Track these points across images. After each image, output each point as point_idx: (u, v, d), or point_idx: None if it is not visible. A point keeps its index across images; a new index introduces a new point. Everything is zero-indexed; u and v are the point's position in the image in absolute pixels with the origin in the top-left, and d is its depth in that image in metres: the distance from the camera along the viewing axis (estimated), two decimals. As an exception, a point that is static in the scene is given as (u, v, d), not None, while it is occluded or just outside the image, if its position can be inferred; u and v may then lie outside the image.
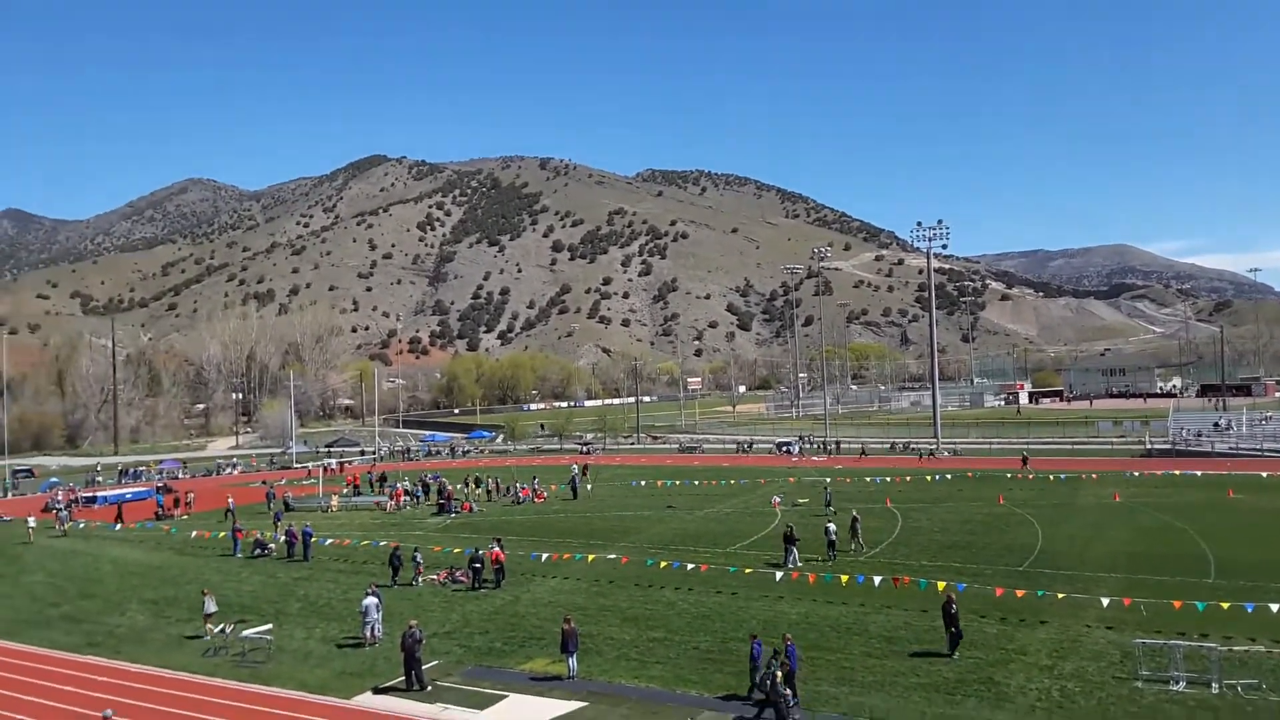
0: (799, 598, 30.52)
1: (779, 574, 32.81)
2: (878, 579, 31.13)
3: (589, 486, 62.35)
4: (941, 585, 29.71)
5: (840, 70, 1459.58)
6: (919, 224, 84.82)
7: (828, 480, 58.62)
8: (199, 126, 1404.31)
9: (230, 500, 55.35)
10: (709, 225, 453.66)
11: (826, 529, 37.36)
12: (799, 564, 34.91)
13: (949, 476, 62.15)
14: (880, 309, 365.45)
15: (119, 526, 53.12)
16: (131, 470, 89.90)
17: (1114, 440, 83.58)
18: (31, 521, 51.15)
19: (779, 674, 19.52)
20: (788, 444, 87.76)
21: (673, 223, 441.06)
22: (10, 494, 75.33)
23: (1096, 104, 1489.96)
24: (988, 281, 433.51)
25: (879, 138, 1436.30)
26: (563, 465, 79.11)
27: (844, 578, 31.46)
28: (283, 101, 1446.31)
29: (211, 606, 29.71)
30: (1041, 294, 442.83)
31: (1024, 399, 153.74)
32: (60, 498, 62.53)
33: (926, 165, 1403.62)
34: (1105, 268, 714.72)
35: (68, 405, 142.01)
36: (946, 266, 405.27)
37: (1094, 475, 60.28)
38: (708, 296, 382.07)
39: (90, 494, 68.39)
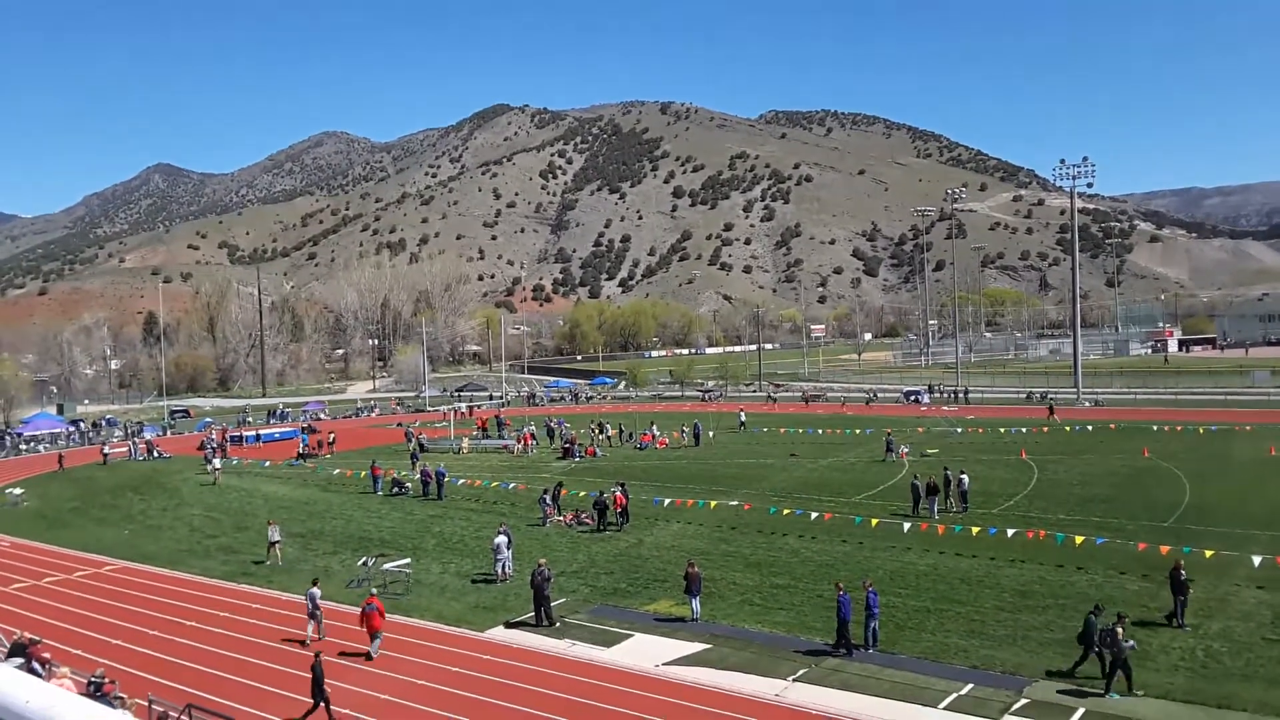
0: (927, 549, 29.90)
1: (907, 525, 32.21)
2: (1011, 531, 30.21)
3: (710, 434, 62.49)
4: (1080, 540, 28.61)
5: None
6: (1062, 161, 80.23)
7: (889, 429, 56.02)
8: (331, 81, 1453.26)
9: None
10: (834, 167, 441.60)
11: (960, 480, 36.38)
12: (936, 517, 34.09)
13: (1090, 428, 59.49)
14: (1018, 252, 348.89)
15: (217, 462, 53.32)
16: (279, 411, 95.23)
17: (1271, 391, 77.93)
18: (217, 463, 51.79)
19: (1119, 629, 18.63)
20: (916, 393, 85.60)
21: (796, 165, 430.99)
22: (169, 433, 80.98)
23: (1251, 26, 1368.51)
24: (1136, 222, 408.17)
25: (1019, 70, 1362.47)
26: (683, 412, 79.61)
27: (974, 529, 30.65)
28: (409, 53, 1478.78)
29: (275, 535, 32.06)
30: (1194, 234, 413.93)
31: (1173, 346, 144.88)
32: (214, 436, 66.86)
33: (1070, 99, 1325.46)
34: (1265, 206, 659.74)
35: (219, 349, 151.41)
36: (1091, 206, 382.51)
37: (1248, 428, 56.58)
38: (832, 241, 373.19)
39: (252, 432, 72.82)
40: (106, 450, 62.87)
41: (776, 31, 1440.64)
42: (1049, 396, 77.27)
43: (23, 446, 73.09)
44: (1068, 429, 58.74)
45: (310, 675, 18.31)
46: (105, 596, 28.64)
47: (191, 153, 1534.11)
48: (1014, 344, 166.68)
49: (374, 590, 24.37)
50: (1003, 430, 59.59)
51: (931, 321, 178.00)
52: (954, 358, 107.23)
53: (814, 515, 34.20)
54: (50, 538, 38.30)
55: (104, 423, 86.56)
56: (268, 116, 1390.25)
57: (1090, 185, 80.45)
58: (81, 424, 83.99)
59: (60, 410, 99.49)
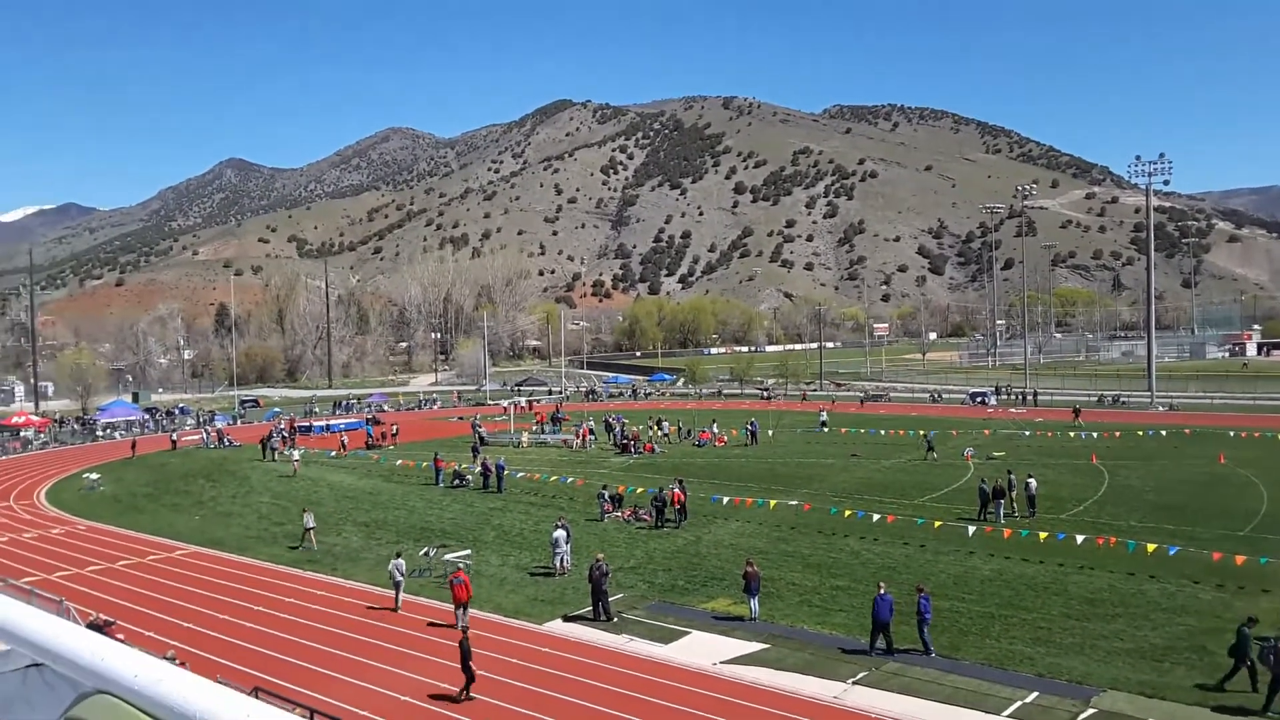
0: (992, 553, 29.26)
1: (971, 528, 31.56)
2: (1080, 538, 29.43)
3: (770, 432, 61.99)
4: (1151, 548, 27.73)
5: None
6: (1137, 158, 78.19)
7: (930, 431, 54.73)
8: (398, 78, 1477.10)
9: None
10: (900, 163, 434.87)
11: (1027, 484, 35.53)
12: (1001, 520, 33.30)
13: (1163, 433, 57.71)
14: (1090, 251, 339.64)
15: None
16: (344, 402, 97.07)
17: (1359, 398, 74.85)
18: (296, 454, 52.63)
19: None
20: (982, 394, 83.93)
21: (861, 161, 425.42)
22: (239, 422, 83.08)
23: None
24: (1214, 221, 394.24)
25: (1092, 64, 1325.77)
26: (741, 410, 79.08)
27: (1043, 535, 29.94)
28: (473, 50, 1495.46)
29: (310, 522, 33.15)
30: (1275, 234, 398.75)
31: (1251, 350, 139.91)
32: (283, 426, 68.38)
33: (1146, 94, 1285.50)
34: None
35: (287, 341, 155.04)
36: (1167, 204, 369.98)
37: (1335, 436, 54.35)
38: (897, 239, 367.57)
39: (321, 423, 74.44)
40: (175, 437, 64.78)
41: (840, 25, 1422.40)
42: (1076, 401, 74.88)
43: (99, 433, 75.72)
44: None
45: (459, 651, 19.07)
46: (176, 580, 29.46)
47: (262, 148, 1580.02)
48: (1085, 345, 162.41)
49: (460, 565, 25.12)
50: (1072, 434, 58.11)
51: (999, 321, 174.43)
52: (1022, 359, 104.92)
53: (875, 517, 33.69)
54: (124, 522, 39.56)
55: (177, 411, 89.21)
56: (336, 113, 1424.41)
57: (1166, 183, 78.38)
58: (156, 412, 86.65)
59: (135, 398, 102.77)
